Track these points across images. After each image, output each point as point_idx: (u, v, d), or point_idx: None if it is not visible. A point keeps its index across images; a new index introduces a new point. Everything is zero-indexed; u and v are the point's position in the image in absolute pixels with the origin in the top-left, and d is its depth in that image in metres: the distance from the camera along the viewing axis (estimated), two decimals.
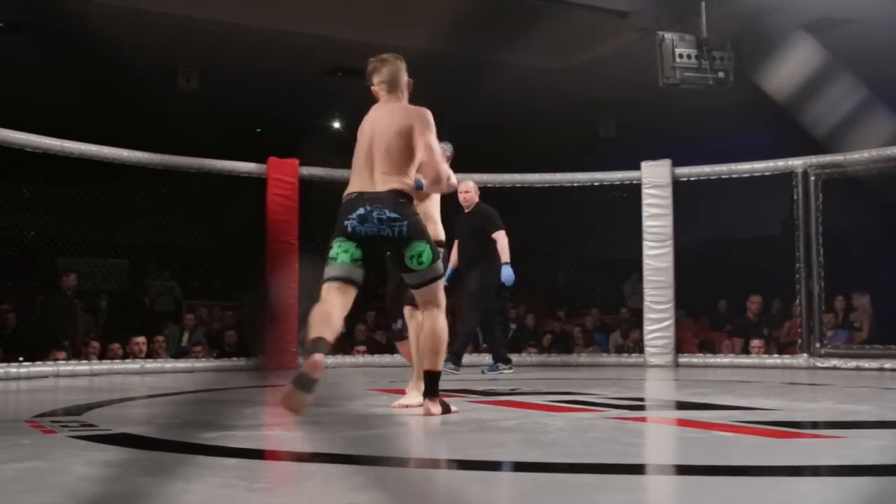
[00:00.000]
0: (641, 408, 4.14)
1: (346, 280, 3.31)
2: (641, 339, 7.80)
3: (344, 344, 8.53)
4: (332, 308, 3.26)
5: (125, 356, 6.96)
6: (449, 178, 3.48)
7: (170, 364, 6.74)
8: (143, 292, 9.30)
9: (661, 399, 4.62)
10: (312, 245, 8.00)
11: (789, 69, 7.33)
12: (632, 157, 7.89)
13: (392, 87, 3.50)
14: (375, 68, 3.51)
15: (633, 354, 7.94)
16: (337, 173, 7.75)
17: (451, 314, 5.66)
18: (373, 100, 3.52)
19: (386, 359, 7.74)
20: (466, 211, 6.38)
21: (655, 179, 7.70)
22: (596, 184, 8.09)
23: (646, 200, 7.72)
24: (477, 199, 6.43)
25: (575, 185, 8.15)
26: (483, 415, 3.70)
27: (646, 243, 7.68)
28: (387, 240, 3.31)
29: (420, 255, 3.33)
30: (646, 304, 7.67)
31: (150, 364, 6.75)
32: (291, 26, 7.66)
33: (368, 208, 3.29)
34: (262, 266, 7.22)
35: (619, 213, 8.61)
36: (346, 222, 3.31)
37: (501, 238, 6.26)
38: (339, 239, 3.32)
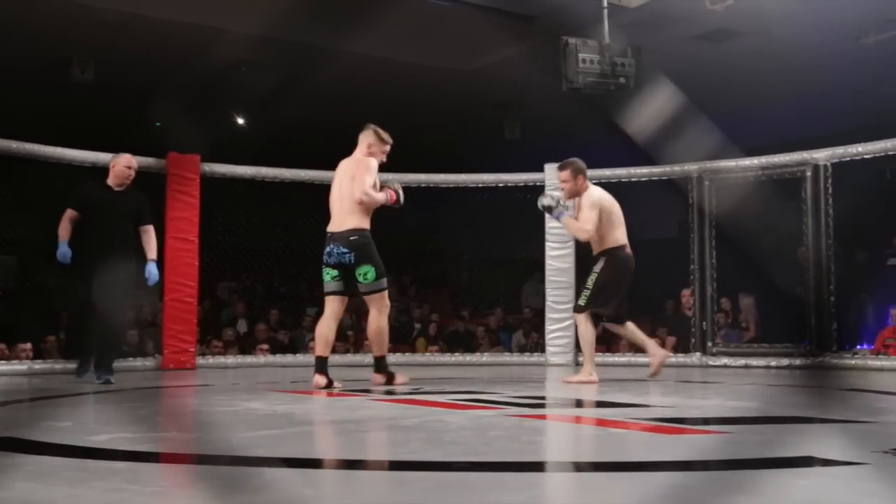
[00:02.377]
0: (541, 406, 4.19)
1: (334, 292, 4.97)
2: (543, 339, 7.91)
3: (245, 344, 8.36)
4: (327, 329, 4.95)
5: (12, 357, 6.61)
6: (368, 196, 4.89)
7: (60, 365, 6.44)
8: (36, 290, 8.86)
9: (561, 398, 4.69)
10: (214, 243, 7.82)
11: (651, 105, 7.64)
12: (536, 159, 7.99)
13: (360, 143, 5.08)
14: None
15: (535, 354, 8.04)
16: (239, 170, 7.57)
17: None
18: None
19: (288, 358, 7.62)
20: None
21: (558, 181, 7.82)
22: (501, 185, 8.16)
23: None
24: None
25: (480, 185, 8.20)
26: (384, 413, 3.68)
27: (548, 244, 7.79)
28: (344, 266, 4.90)
29: (366, 274, 4.89)
30: (548, 304, 7.78)
31: (39, 365, 6.44)
32: (193, 18, 7.45)
33: (332, 246, 4.92)
34: (161, 264, 7.00)
35: (524, 213, 8.72)
36: (324, 255, 4.97)
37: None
38: (324, 267, 4.99)
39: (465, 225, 9.17)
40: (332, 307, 4.97)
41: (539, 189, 7.93)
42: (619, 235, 5.34)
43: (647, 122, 8.83)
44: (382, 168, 5.16)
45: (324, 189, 7.12)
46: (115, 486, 1.97)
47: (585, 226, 5.25)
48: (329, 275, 4.95)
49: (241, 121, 10.44)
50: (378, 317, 4.98)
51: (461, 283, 11.03)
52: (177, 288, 6.99)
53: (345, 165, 5.06)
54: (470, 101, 9.83)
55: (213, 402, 4.25)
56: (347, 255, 4.87)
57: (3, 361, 6.42)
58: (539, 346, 8.31)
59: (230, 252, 8.11)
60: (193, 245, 7.09)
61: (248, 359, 7.58)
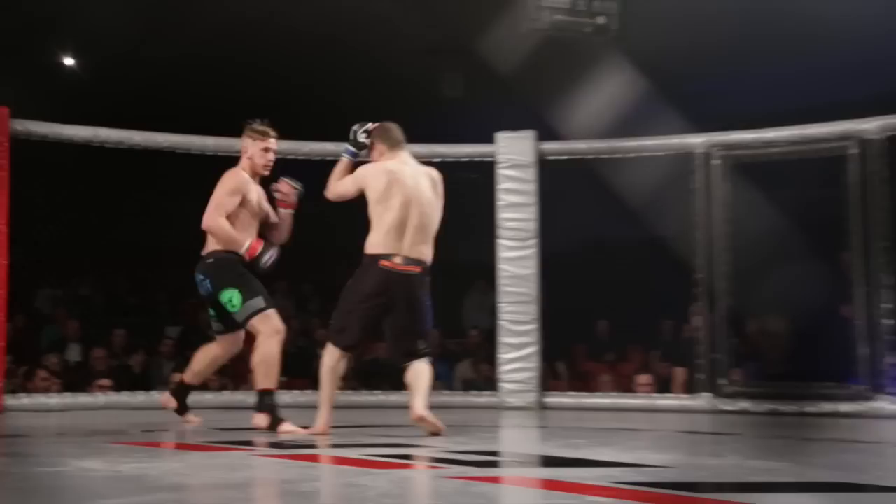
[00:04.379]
0: (494, 464, 4.19)
1: (217, 332, 5.58)
2: (496, 372, 7.92)
3: (76, 377, 8.19)
4: (202, 356, 5.69)
5: None
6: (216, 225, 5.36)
7: None
8: None
9: (521, 452, 4.70)
10: (31, 234, 7.63)
11: None
12: (484, 126, 8.01)
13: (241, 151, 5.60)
14: None
15: (486, 393, 8.05)
16: (67, 130, 7.40)
17: None
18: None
19: (139, 398, 7.47)
20: None
21: (515, 157, 7.85)
22: (436, 160, 8.10)
23: (501, 184, 7.85)
24: None
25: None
26: (279, 474, 3.63)
27: (500, 242, 7.80)
28: (207, 297, 5.39)
29: (231, 301, 5.27)
30: (500, 324, 7.80)
31: None
32: None
33: (196, 274, 5.40)
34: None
35: (466, 200, 8.71)
36: None
37: None
38: None
39: None
40: (218, 345, 5.62)
41: (490, 166, 7.94)
42: (380, 239, 5.10)
43: (633, 80, 8.95)
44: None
45: (192, 160, 7.03)
46: None
47: (337, 187, 5.30)
48: (210, 312, 5.51)
49: (69, 62, 10.20)
50: (266, 341, 5.26)
51: None
52: None
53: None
54: (392, 43, 9.79)
55: (31, 460, 4.14)
56: (204, 283, 5.35)
57: None
58: (491, 382, 8.31)
59: (55, 246, 7.92)
60: (2, 237, 6.92)
61: (81, 398, 7.41)
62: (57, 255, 7.97)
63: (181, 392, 5.74)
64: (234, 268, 5.33)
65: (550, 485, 3.44)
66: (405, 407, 7.69)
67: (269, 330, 5.26)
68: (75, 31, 9.45)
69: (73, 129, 7.42)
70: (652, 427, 6.03)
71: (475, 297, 10.41)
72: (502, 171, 7.84)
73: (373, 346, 9.69)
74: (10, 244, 6.96)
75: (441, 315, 10.07)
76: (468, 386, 8.74)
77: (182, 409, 5.72)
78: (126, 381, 8.17)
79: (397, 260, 5.06)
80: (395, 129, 5.47)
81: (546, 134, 7.99)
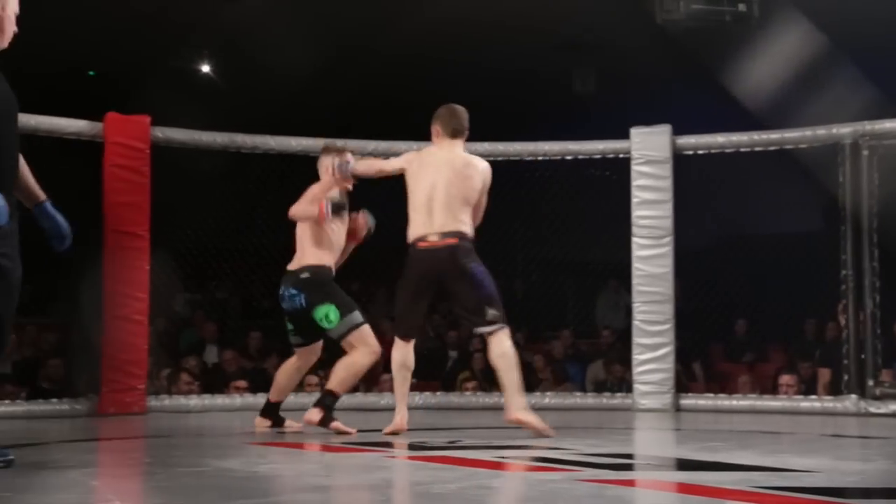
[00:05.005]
0: (629, 468, 4.16)
1: (294, 345, 5.67)
2: (629, 374, 7.86)
3: (213, 379, 8.41)
4: (283, 375, 5.73)
5: None
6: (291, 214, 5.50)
7: None
8: None
9: (656, 455, 4.66)
10: (172, 238, 7.87)
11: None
12: (618, 121, 7.95)
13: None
14: None
15: (619, 394, 8.00)
16: (205, 136, 7.62)
17: None
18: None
19: (359, 398, 7.60)
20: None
21: (650, 152, 7.77)
22: (569, 158, 8.11)
23: (636, 181, 7.77)
24: None
25: (539, 159, 8.16)
26: (411, 476, 3.68)
27: (635, 240, 7.73)
28: (298, 311, 5.43)
29: (327, 316, 5.32)
30: (635, 324, 7.73)
31: None
32: None
33: (283, 288, 5.49)
34: (98, 268, 7.05)
35: (599, 198, 8.65)
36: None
37: None
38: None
39: (518, 215, 9.14)
40: (297, 358, 5.68)
41: (623, 163, 7.88)
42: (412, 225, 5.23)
43: (775, 70, 8.75)
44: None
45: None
46: None
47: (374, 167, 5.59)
48: (287, 325, 5.62)
49: (206, 69, 10.50)
50: (362, 356, 5.35)
51: (513, 296, 11.00)
52: (122, 302, 7.04)
53: None
54: (524, 40, 9.80)
55: (172, 460, 4.28)
56: (297, 298, 5.41)
57: None
58: (624, 384, 8.25)
59: (194, 252, 8.15)
60: (144, 242, 7.13)
61: (219, 399, 7.62)
62: (195, 260, 8.20)
63: (270, 410, 5.70)
64: (329, 283, 5.42)
65: (687, 489, 3.40)
66: (536, 409, 7.72)
67: (367, 349, 5.36)
68: (212, 39, 9.74)
69: (211, 135, 7.64)
70: (794, 430, 5.90)
71: (608, 297, 10.33)
72: (637, 168, 7.76)
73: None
74: (151, 249, 7.20)
75: (573, 315, 10.11)
76: (600, 387, 8.68)
77: (277, 421, 5.67)
78: (262, 382, 8.35)
79: (433, 238, 5.10)
80: (458, 117, 5.39)
81: (682, 128, 7.88)
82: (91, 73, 10.73)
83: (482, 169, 5.29)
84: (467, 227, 5.17)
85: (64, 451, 4.84)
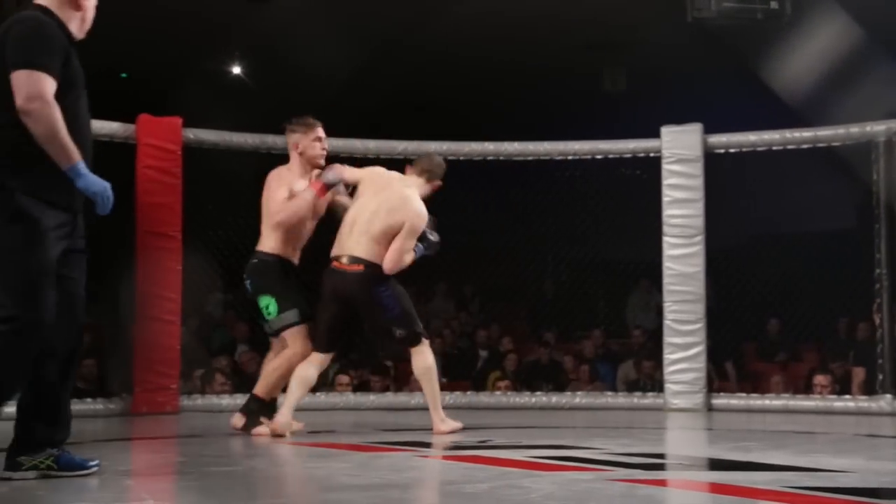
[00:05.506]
0: (660, 467, 4.16)
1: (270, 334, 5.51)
2: (661, 373, 7.84)
3: (244, 378, 8.43)
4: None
5: None
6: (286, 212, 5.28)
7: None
8: None
9: (688, 455, 4.64)
10: (203, 239, 7.92)
11: None
12: (648, 120, 7.93)
13: (290, 152, 5.50)
14: None
15: (650, 394, 7.98)
16: (236, 137, 7.67)
17: None
18: None
19: (305, 398, 7.64)
20: None
21: (681, 151, 7.74)
22: (599, 157, 8.08)
23: (667, 180, 7.74)
24: None
25: (569, 158, 8.15)
26: (442, 475, 3.68)
27: (666, 239, 7.70)
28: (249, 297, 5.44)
29: (267, 307, 5.26)
30: (666, 323, 7.70)
31: None
32: None
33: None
34: (131, 269, 7.11)
35: (631, 197, 8.63)
36: None
37: None
38: None
39: (547, 214, 9.12)
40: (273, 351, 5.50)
41: (654, 162, 7.86)
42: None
43: (808, 67, 8.70)
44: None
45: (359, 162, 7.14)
46: None
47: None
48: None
49: (237, 70, 10.56)
50: (291, 357, 5.23)
51: (543, 296, 10.99)
52: (154, 302, 7.09)
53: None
54: (553, 39, 9.79)
55: (204, 459, 4.31)
56: (246, 282, 5.37)
57: None
58: (655, 383, 8.22)
59: (225, 252, 8.19)
60: (176, 243, 7.17)
61: (330, 397, 7.68)
62: (227, 261, 8.24)
63: (265, 410, 5.38)
64: (275, 273, 5.30)
65: (719, 489, 3.39)
66: (567, 409, 7.71)
67: (298, 351, 5.23)
68: (244, 43, 9.80)
69: (242, 136, 7.68)
70: (828, 430, 5.86)
71: (638, 296, 10.31)
72: (668, 167, 7.73)
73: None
74: (183, 250, 7.24)
75: (604, 315, 10.08)
76: (631, 387, 8.66)
77: (252, 421, 5.32)
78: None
79: (344, 260, 5.22)
80: (440, 167, 5.55)
81: (714, 125, 7.85)
82: (123, 75, 10.81)
83: (413, 213, 5.28)
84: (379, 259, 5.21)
85: (98, 450, 4.87)
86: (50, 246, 3.34)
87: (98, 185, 3.39)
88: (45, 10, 3.47)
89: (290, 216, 5.26)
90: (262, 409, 5.33)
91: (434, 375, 5.31)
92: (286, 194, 5.28)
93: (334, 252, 5.26)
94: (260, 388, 5.33)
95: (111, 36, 9.48)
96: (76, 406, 6.86)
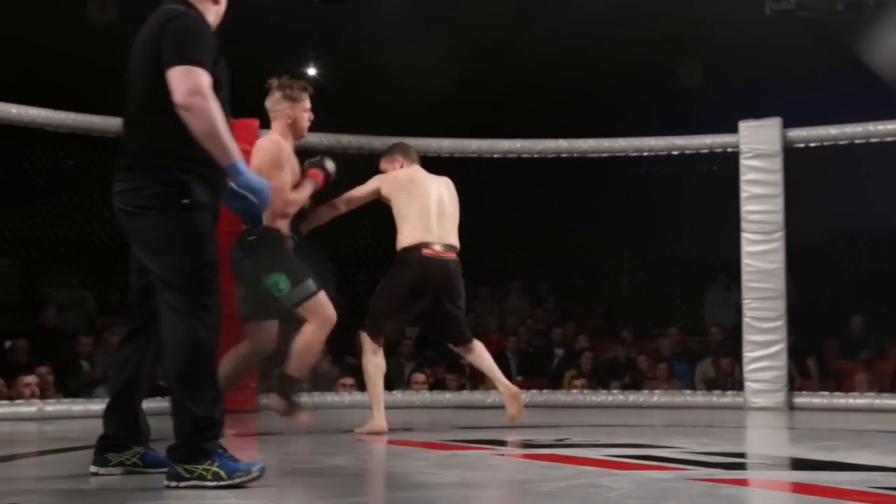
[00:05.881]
0: (741, 466, 4.11)
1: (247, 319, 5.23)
2: (740, 371, 7.76)
3: (322, 376, 8.49)
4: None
5: (12, 396, 6.95)
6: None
7: (80, 406, 6.74)
8: (41, 305, 9.30)
9: (770, 455, 4.59)
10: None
11: None
12: (726, 115, 7.86)
13: (272, 118, 5.21)
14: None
15: (730, 393, 7.90)
16: (312, 138, 7.72)
17: None
18: None
19: (396, 397, 7.65)
20: None
21: (759, 146, 7.65)
22: (675, 153, 8.03)
23: (745, 176, 7.66)
24: None
25: (645, 154, 8.10)
26: (519, 473, 3.68)
27: (745, 236, 7.62)
28: (245, 277, 5.06)
29: (277, 285, 4.90)
30: (745, 321, 7.62)
31: (52, 406, 6.75)
32: None
33: (233, 250, 5.05)
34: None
35: (709, 193, 8.54)
36: None
37: None
38: None
39: (623, 210, 9.08)
40: (248, 340, 5.21)
41: (731, 157, 7.78)
42: (412, 231, 5.30)
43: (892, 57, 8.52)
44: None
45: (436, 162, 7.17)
46: None
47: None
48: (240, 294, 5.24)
49: (311, 71, 10.65)
50: (312, 331, 5.01)
51: (619, 293, 10.95)
52: (233, 302, 7.17)
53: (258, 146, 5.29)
54: (628, 33, 9.72)
55: (285, 457, 4.36)
56: (242, 262, 4.99)
57: (3, 402, 6.76)
58: (735, 382, 8.14)
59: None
60: None
61: (328, 397, 7.72)
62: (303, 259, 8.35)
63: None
64: (278, 247, 5.00)
65: (803, 489, 3.34)
66: (645, 407, 7.67)
67: (321, 321, 4.99)
68: (320, 46, 9.89)
69: (317, 136, 7.73)
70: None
71: (716, 294, 10.20)
72: (746, 162, 7.65)
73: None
74: None
75: (681, 312, 9.97)
76: (710, 385, 8.57)
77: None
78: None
79: (437, 247, 5.32)
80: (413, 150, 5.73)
81: (793, 119, 7.74)
82: None
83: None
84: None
85: None
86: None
87: (258, 182, 3.33)
88: (187, 4, 3.40)
89: (297, 208, 5.11)
90: (296, 388, 5.23)
91: None
92: (290, 179, 5.04)
93: (422, 239, 5.25)
94: (293, 369, 5.11)
95: None
96: (158, 404, 7.05)
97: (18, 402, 6.74)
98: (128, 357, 3.53)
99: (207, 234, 3.35)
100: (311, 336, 4.98)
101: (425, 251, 5.24)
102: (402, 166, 5.55)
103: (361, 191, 5.48)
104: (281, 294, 4.90)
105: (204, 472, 3.15)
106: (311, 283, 4.94)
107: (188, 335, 3.21)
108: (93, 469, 3.50)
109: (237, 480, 3.14)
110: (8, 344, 8.17)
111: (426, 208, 5.31)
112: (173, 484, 3.17)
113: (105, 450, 3.51)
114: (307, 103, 5.17)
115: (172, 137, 3.25)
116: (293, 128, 5.12)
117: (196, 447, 3.18)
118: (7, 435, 5.68)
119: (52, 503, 3.10)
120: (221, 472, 3.15)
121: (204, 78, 3.23)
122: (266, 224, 4.58)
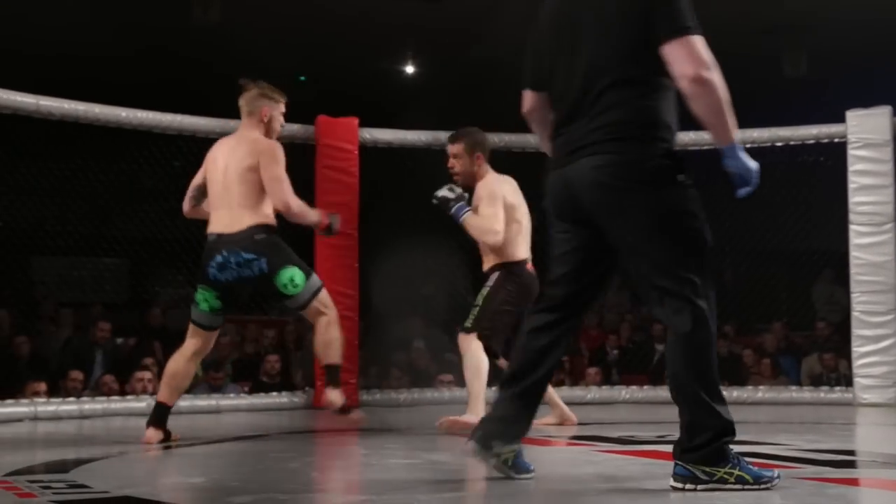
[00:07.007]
0: (851, 465, 4.05)
1: (205, 327, 4.83)
2: (849, 367, 7.61)
3: (420, 373, 8.52)
4: (177, 367, 4.79)
5: (124, 392, 7.13)
6: (299, 209, 4.85)
7: (187, 402, 6.90)
8: (150, 303, 9.54)
9: (881, 453, 4.48)
10: (380, 238, 8.08)
11: None
12: (832, 104, 7.70)
13: (248, 113, 4.92)
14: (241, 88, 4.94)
15: (838, 388, 7.75)
16: (410, 136, 7.79)
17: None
18: None
19: (565, 392, 7.64)
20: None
21: (868, 136, 7.49)
22: (780, 144, 7.91)
23: (853, 166, 7.52)
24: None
25: (748, 145, 7.96)
26: (621, 470, 3.66)
27: (853, 228, 7.47)
28: (250, 280, 4.74)
29: (292, 280, 4.74)
30: (854, 315, 7.47)
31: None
32: None
33: (226, 254, 4.68)
34: (311, 267, 7.32)
35: (813, 185, 8.39)
36: (207, 268, 4.73)
37: None
38: (202, 285, 4.78)
39: (726, 203, 8.93)
40: (191, 344, 4.84)
41: (838, 147, 7.63)
42: (520, 247, 5.33)
43: None
44: None
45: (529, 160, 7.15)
46: None
47: (494, 224, 5.17)
48: (206, 300, 4.79)
49: (409, 69, 10.72)
50: (326, 326, 4.91)
51: (722, 287, 10.79)
52: (332, 299, 7.25)
53: (236, 146, 4.90)
54: (728, 21, 9.57)
55: (385, 452, 4.41)
56: (258, 264, 4.69)
57: (115, 397, 6.94)
58: (843, 377, 7.97)
59: (399, 250, 8.35)
60: (353, 241, 7.34)
61: (428, 394, 7.77)
62: (402, 258, 8.40)
63: (162, 417, 4.80)
64: (283, 243, 4.82)
65: None
66: (749, 403, 7.56)
67: (333, 313, 4.92)
68: (417, 45, 9.96)
69: (416, 134, 7.80)
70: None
71: (823, 288, 10.01)
72: (854, 152, 7.50)
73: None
74: (360, 248, 7.40)
75: (787, 306, 9.80)
76: (816, 381, 8.42)
77: (167, 433, 4.78)
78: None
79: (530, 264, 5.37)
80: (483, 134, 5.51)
81: None
82: (301, 78, 11.13)
83: None
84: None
85: (284, 441, 5.06)
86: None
87: (753, 164, 3.20)
88: None
89: (301, 213, 4.91)
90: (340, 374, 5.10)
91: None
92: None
93: (527, 255, 5.36)
94: (332, 357, 4.94)
95: (287, 42, 9.84)
96: (262, 399, 7.21)
97: (129, 397, 6.92)
98: (548, 346, 3.35)
99: (702, 213, 3.21)
100: (332, 333, 4.90)
101: (529, 267, 5.35)
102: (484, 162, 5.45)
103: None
104: (297, 290, 4.76)
105: (726, 476, 3.01)
106: (316, 277, 4.90)
107: (697, 325, 3.06)
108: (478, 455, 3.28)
109: (763, 486, 3.03)
110: (119, 341, 8.43)
111: (527, 227, 5.39)
112: (689, 486, 3.03)
113: (492, 437, 3.30)
114: (283, 108, 5.04)
115: (658, 110, 3.15)
116: (267, 126, 4.95)
117: (718, 449, 3.04)
118: (118, 429, 5.81)
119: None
120: (746, 476, 3.02)
121: (707, 50, 3.10)
122: (272, 220, 4.78)
